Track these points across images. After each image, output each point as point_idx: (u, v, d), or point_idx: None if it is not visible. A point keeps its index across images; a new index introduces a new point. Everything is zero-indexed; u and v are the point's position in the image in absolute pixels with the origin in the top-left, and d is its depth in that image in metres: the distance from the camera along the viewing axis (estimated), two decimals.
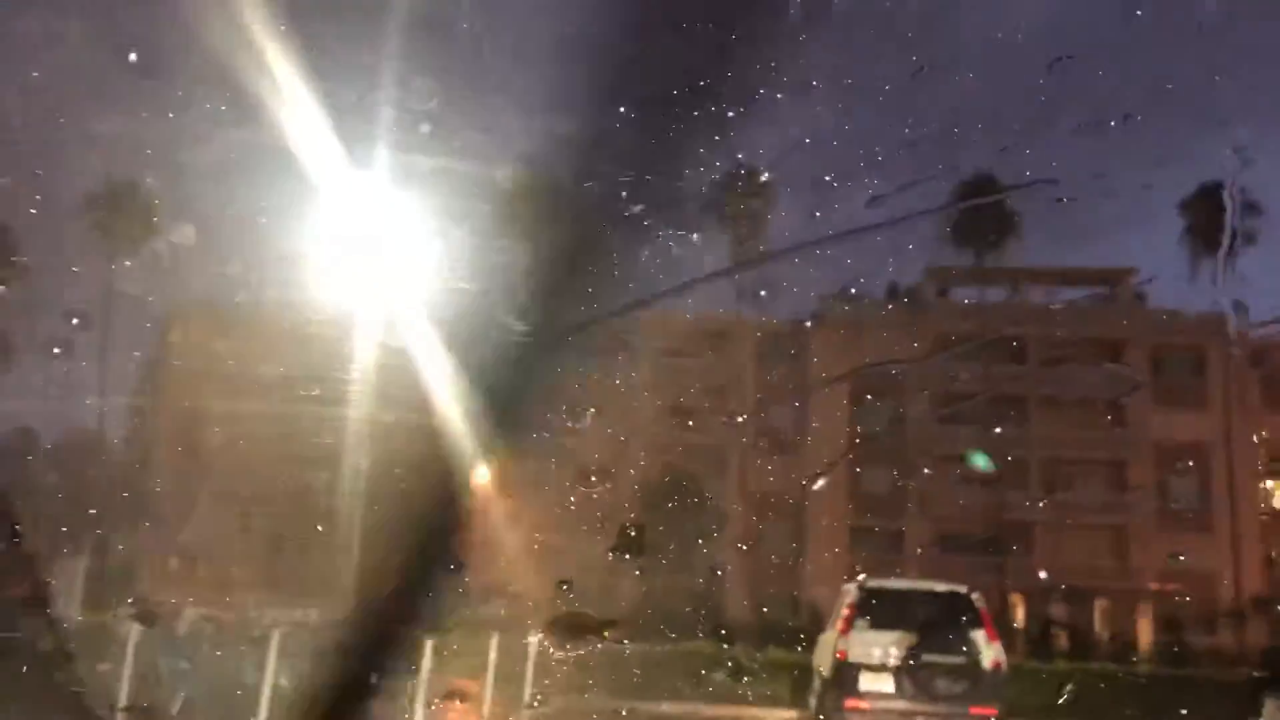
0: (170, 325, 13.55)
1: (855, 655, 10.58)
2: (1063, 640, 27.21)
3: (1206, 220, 35.90)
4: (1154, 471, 36.06)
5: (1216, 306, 36.47)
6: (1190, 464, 35.41)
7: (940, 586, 11.96)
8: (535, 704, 11.76)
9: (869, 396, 34.17)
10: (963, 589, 11.44)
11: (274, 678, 9.50)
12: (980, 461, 33.02)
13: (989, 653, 10.58)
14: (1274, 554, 34.57)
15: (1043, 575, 32.98)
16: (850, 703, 10.43)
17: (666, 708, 12.13)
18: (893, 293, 38.06)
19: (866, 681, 10.46)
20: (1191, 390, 36.23)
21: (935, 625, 10.60)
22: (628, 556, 13.18)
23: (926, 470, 32.40)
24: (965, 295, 38.74)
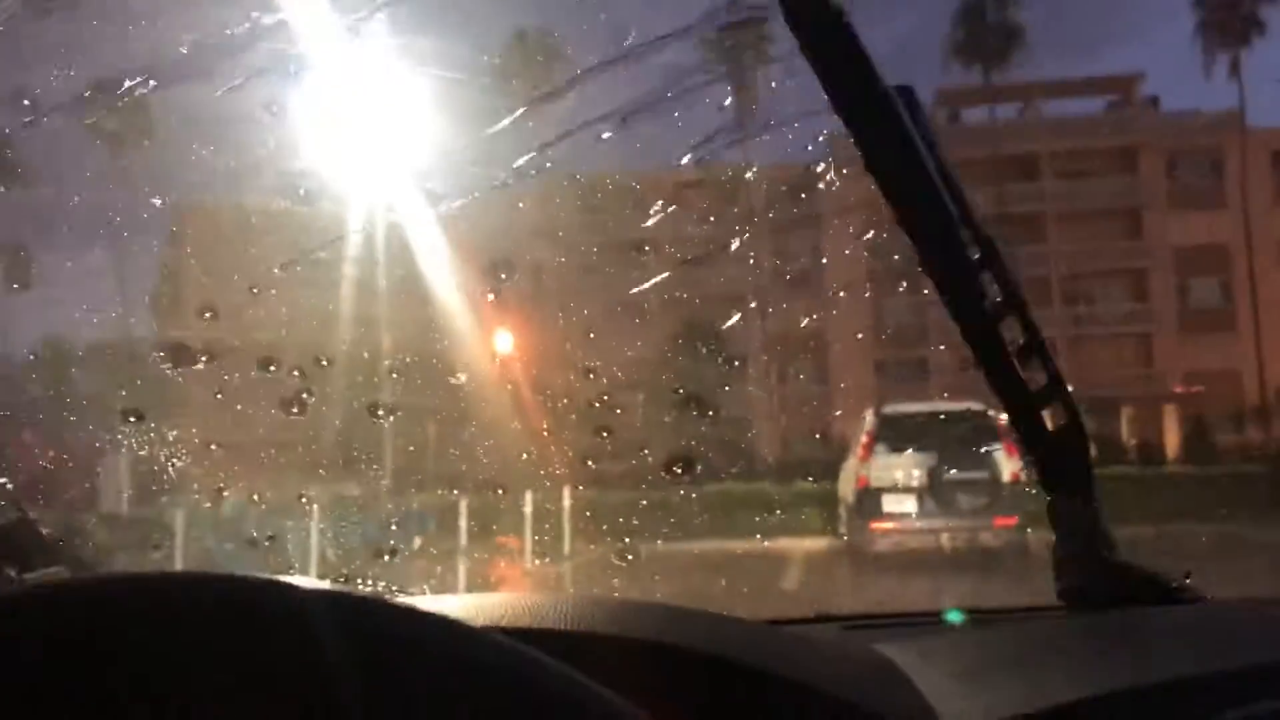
0: (181, 224, 13.65)
1: (877, 479, 10.88)
2: (1090, 449, 27.64)
3: (1220, 12, 34.91)
4: (1175, 276, 35.98)
5: (1230, 104, 35.79)
6: (1211, 265, 35.29)
7: (956, 405, 12.19)
8: (573, 554, 12.22)
9: (884, 229, 33.98)
10: (979, 405, 11.65)
11: (319, 547, 9.91)
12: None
13: (1007, 465, 10.84)
14: None
15: (1069, 388, 33.24)
16: (875, 525, 10.77)
17: (699, 546, 12.57)
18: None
19: (890, 503, 10.78)
20: (1209, 192, 35.84)
21: (954, 443, 10.85)
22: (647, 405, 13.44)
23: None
24: (976, 115, 38.17)
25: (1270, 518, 13.18)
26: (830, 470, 14.63)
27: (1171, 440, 30.71)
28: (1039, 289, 35.40)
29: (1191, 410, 30.86)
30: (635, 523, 11.12)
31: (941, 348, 34.67)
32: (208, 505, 10.22)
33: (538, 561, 12.21)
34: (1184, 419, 31.33)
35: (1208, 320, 35.22)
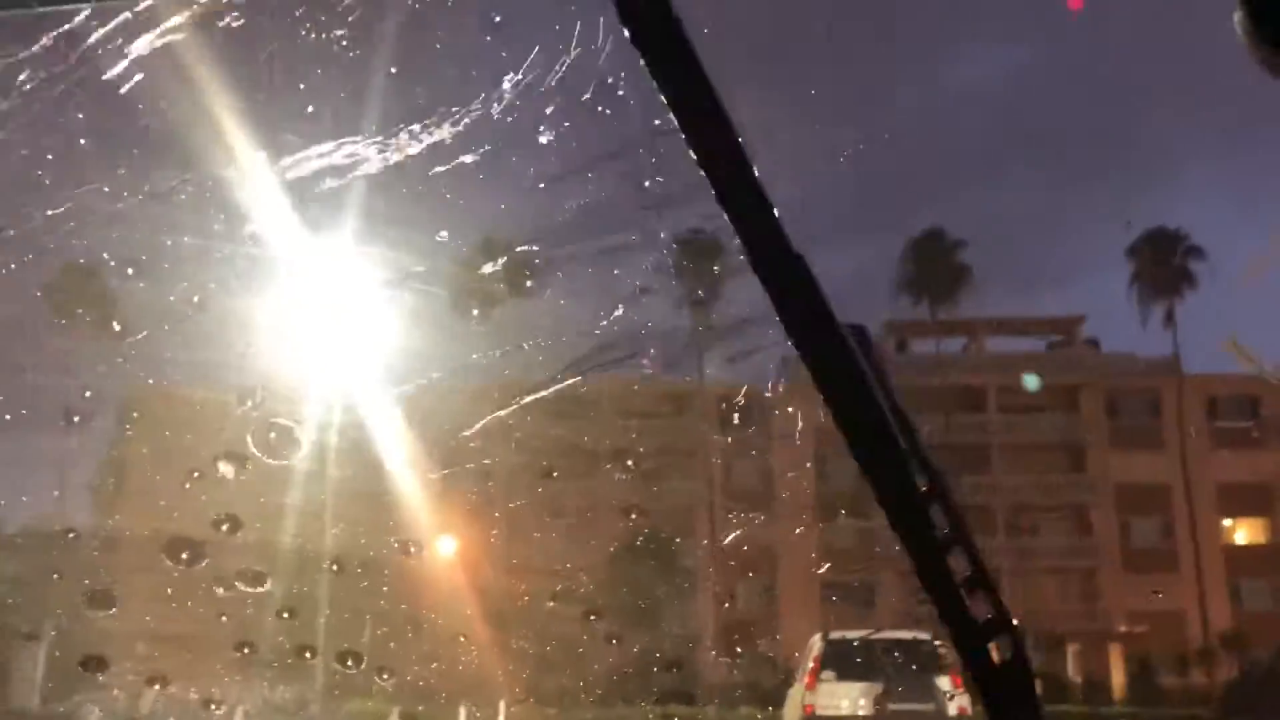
0: (129, 411, 13.58)
1: (822, 708, 10.64)
2: (1036, 684, 27.29)
3: (1152, 265, 36.73)
4: (1117, 514, 36.46)
5: (1166, 349, 37.24)
6: (1151, 504, 35.86)
7: (904, 635, 12.06)
8: None
9: (831, 451, 34.38)
10: (926, 636, 11.54)
11: None
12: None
13: (955, 700, 10.67)
14: (1238, 590, 34.92)
15: (1014, 622, 33.04)
16: None
17: None
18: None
19: None
20: (1148, 431, 36.79)
21: (900, 674, 10.68)
22: (595, 619, 13.18)
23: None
24: (923, 347, 39.32)
25: None
26: (775, 695, 14.32)
27: (1117, 679, 30.42)
28: (984, 519, 35.66)
29: (1136, 649, 30.72)
30: None
31: (889, 574, 34.58)
32: (123, 703, 9.77)
33: None
34: (1128, 658, 31.15)
35: (1150, 559, 35.51)
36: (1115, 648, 32.72)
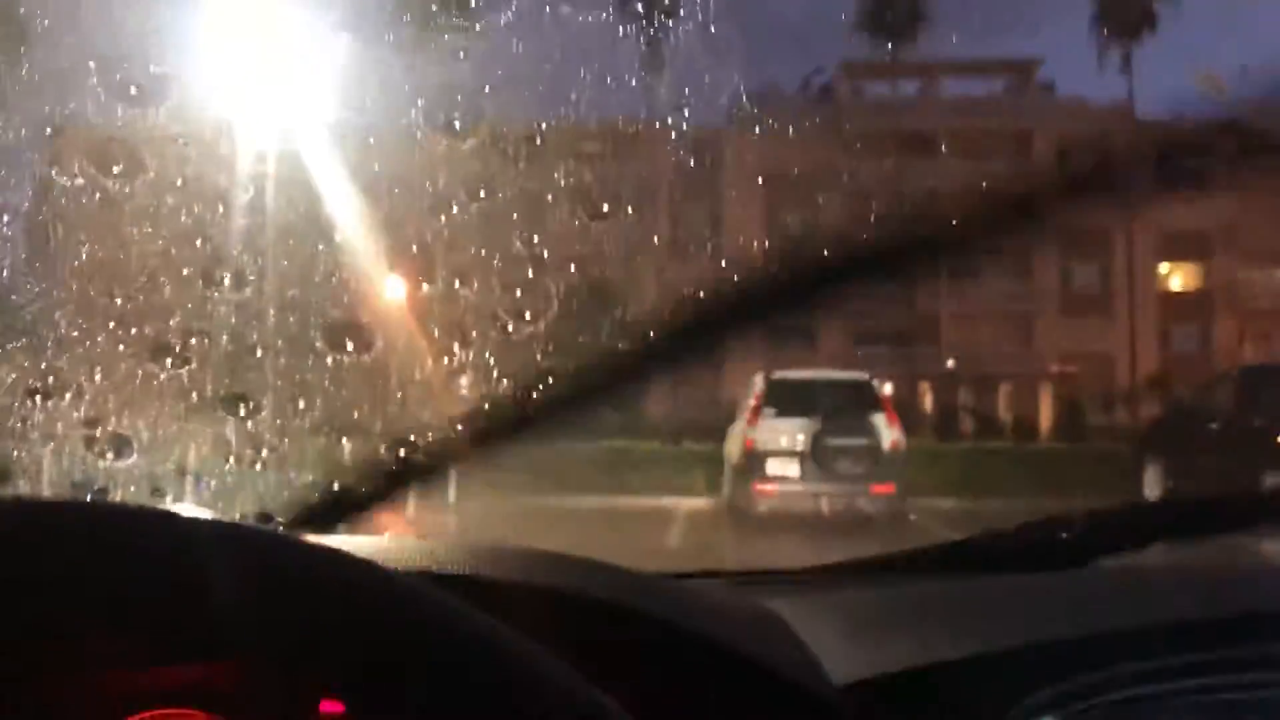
0: (54, 147, 13.07)
1: (762, 443, 11.05)
2: (967, 423, 28.52)
3: (1113, 5, 35.92)
4: (1058, 259, 37.18)
5: (1123, 95, 36.96)
6: (1093, 250, 36.53)
7: (842, 375, 12.46)
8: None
9: (784, 197, 34.35)
10: (864, 376, 11.92)
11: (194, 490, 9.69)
12: None
13: (888, 435, 11.12)
14: (1169, 334, 36.22)
15: (950, 364, 34.24)
16: (758, 487, 10.95)
17: (586, 501, 12.62)
18: (807, 90, 37.89)
19: (773, 466, 10.96)
20: (1095, 178, 37.02)
21: (838, 411, 11.07)
22: (542, 361, 13.36)
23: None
24: (879, 90, 38.72)
25: (1125, 492, 13.82)
26: (716, 431, 14.81)
27: (1045, 418, 31.85)
28: (930, 269, 36.20)
29: (1065, 390, 32.02)
30: (523, 476, 11.10)
31: (830, 317, 35.25)
32: (67, 450, 9.89)
33: (421, 510, 12.11)
34: (1057, 398, 32.51)
35: (1086, 304, 36.52)
36: (1045, 388, 34.08)
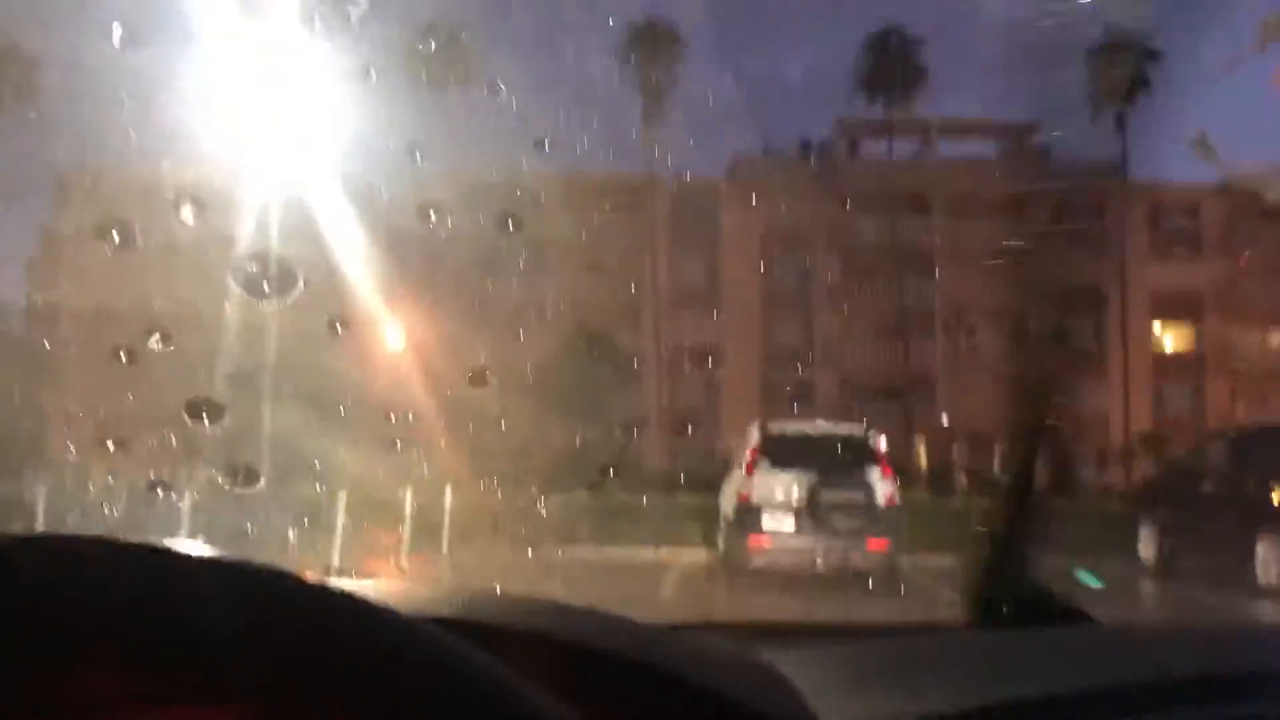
0: (64, 189, 13.16)
1: (758, 496, 11.02)
2: (963, 480, 28.47)
3: (1109, 70, 36.35)
4: (1053, 317, 37.30)
5: (1117, 158, 37.28)
6: (1087, 309, 36.67)
7: (839, 428, 12.46)
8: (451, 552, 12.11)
9: (779, 252, 34.55)
10: (859, 430, 11.92)
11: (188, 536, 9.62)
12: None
13: (883, 489, 11.10)
14: (1162, 394, 36.29)
15: (945, 420, 34.23)
16: (753, 540, 10.91)
17: (580, 552, 12.55)
18: (805, 148, 38.27)
19: (769, 521, 10.92)
20: (1089, 238, 37.26)
21: (834, 465, 11.06)
22: (537, 411, 13.38)
23: (835, 322, 33.14)
24: (875, 149, 39.09)
25: (1121, 555, 13.78)
26: (712, 484, 14.76)
27: (1040, 475, 31.73)
28: (922, 322, 36.35)
29: (1058, 447, 31.96)
30: (517, 526, 11.05)
31: (827, 371, 35.35)
32: (71, 483, 9.85)
33: (414, 557, 12.06)
34: (1050, 455, 32.42)
35: (1081, 362, 36.56)
36: (1040, 446, 34.00)
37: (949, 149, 39.40)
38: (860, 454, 11.31)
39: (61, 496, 9.80)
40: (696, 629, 1.59)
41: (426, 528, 12.16)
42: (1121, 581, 13.06)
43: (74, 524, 9.45)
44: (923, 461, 30.75)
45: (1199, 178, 37.12)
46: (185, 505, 9.66)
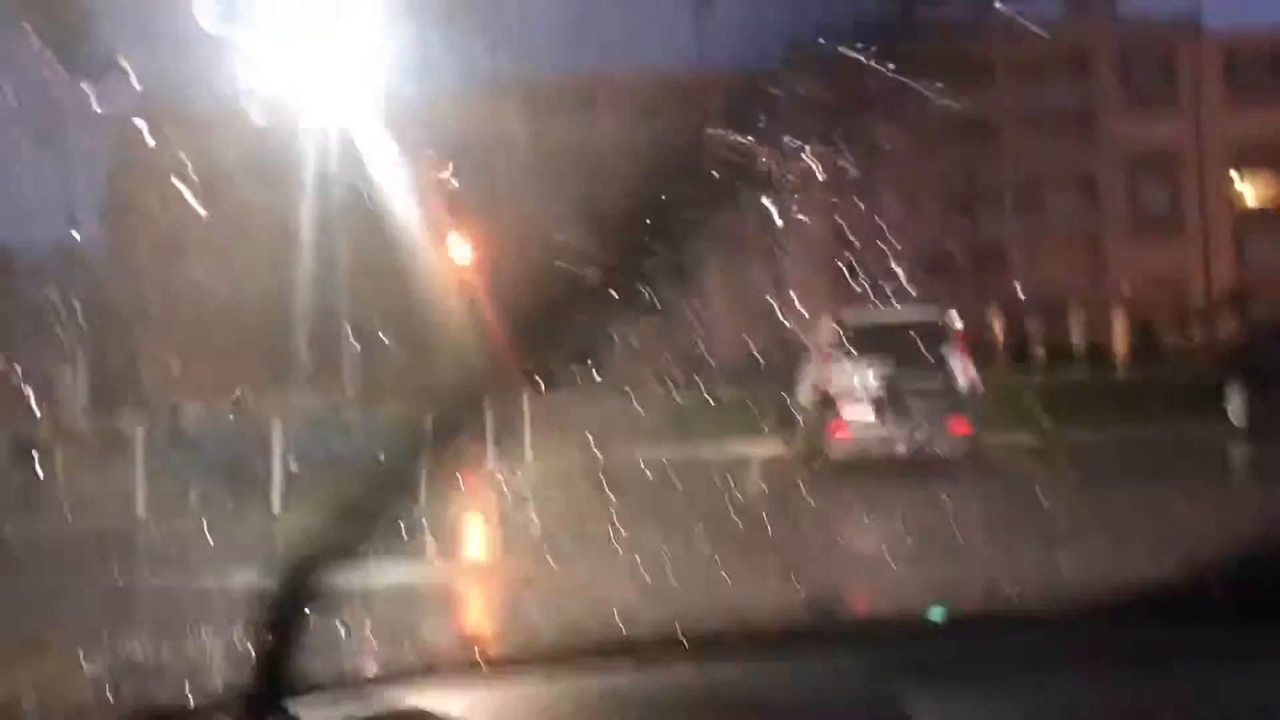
0: (131, 132, 13.26)
1: (836, 387, 10.97)
2: (1040, 352, 28.09)
3: None
4: (1125, 179, 36.23)
5: (1185, 6, 35.70)
6: (1162, 170, 35.55)
7: (915, 313, 12.29)
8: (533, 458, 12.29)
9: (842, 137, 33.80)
10: (936, 313, 11.75)
11: (282, 463, 9.89)
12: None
13: (963, 375, 10.98)
14: (1244, 250, 35.25)
15: (1019, 291, 33.67)
16: (833, 431, 10.89)
17: (660, 452, 12.66)
18: (860, 26, 37.15)
19: (848, 411, 10.88)
20: (1161, 94, 35.91)
21: (911, 351, 10.93)
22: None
23: (901, 200, 32.54)
24: (929, 13, 37.79)
25: (1210, 418, 13.53)
26: (789, 377, 14.71)
27: (1120, 343, 31.21)
28: (993, 193, 35.52)
29: (1140, 312, 31.32)
30: (595, 428, 11.15)
31: (900, 249, 34.81)
32: (168, 419, 10.14)
33: (501, 467, 12.27)
34: (1132, 321, 31.82)
35: (1158, 224, 35.61)
36: (1119, 312, 33.38)
37: (1011, 5, 37.95)
38: (938, 338, 11.16)
39: (159, 433, 10.10)
40: (804, 639, 1.55)
41: (510, 435, 12.34)
42: (1212, 448, 12.87)
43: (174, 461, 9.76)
44: (998, 334, 30.34)
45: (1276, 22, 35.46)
46: (276, 433, 9.90)
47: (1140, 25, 35.65)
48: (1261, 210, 36.45)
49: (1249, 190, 36.92)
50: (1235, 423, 13.36)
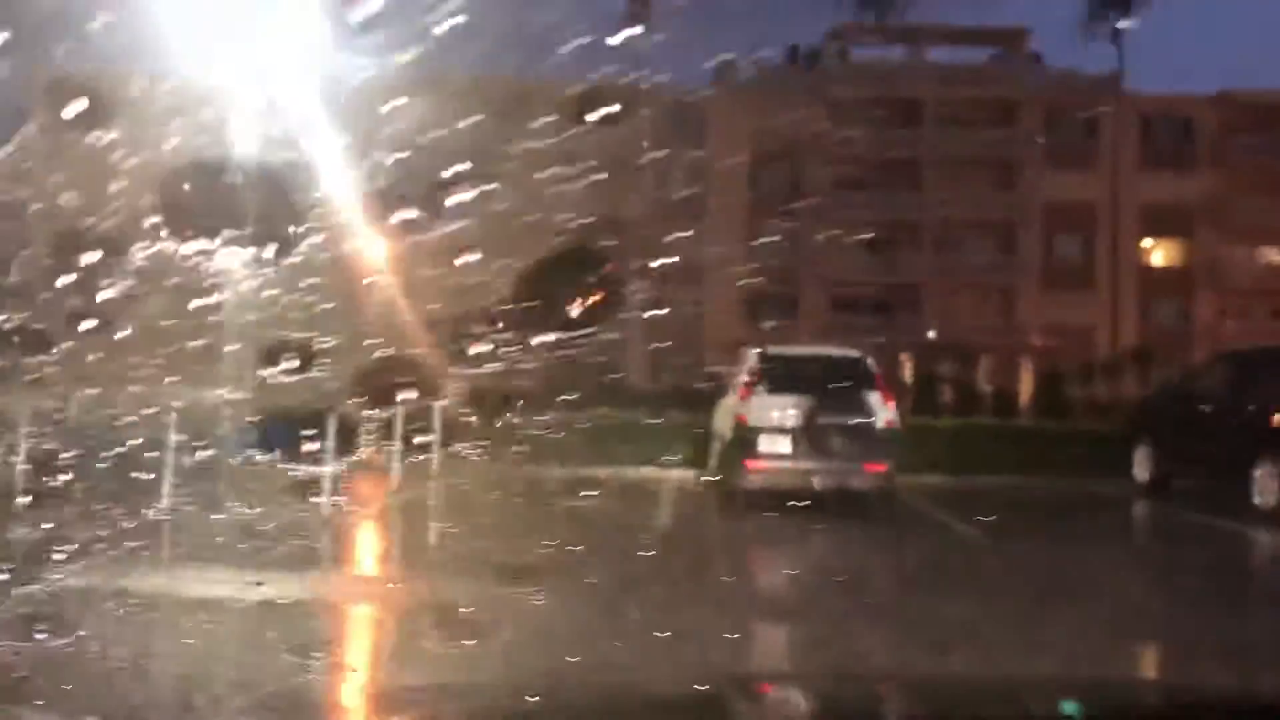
0: (38, 101, 12.57)
1: (755, 419, 10.83)
2: (948, 396, 28.44)
3: None
4: (1041, 232, 37.03)
5: (1109, 68, 36.72)
6: (1076, 223, 36.39)
7: (836, 351, 12.23)
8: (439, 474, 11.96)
9: (766, 163, 33.99)
10: (857, 353, 11.70)
11: (174, 456, 9.40)
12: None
13: (883, 413, 10.92)
14: (1150, 309, 36.24)
15: (931, 334, 34.12)
16: (750, 464, 10.74)
17: (570, 472, 12.41)
18: (794, 56, 37.46)
19: (766, 444, 10.74)
20: (1081, 151, 36.82)
21: (832, 388, 10.85)
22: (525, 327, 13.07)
23: (820, 236, 32.75)
24: (866, 56, 38.28)
25: (1113, 476, 13.71)
26: (700, 403, 14.58)
27: (1026, 391, 31.81)
28: (910, 234, 36.02)
29: (1046, 363, 31.95)
30: (503, 445, 10.86)
31: (811, 287, 35.09)
32: (56, 405, 9.58)
33: (406, 474, 11.93)
34: (1038, 371, 32.46)
35: (1069, 276, 36.44)
36: (1027, 360, 34.03)
37: (941, 55, 38.66)
38: (859, 377, 11.10)
39: (43, 415, 9.53)
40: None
41: (419, 447, 12.00)
42: (1117, 502, 13.03)
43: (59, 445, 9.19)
44: (908, 376, 30.68)
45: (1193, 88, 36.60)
46: (172, 424, 9.43)
47: (1064, 80, 36.57)
48: (1167, 270, 37.56)
49: (1157, 251, 38.04)
50: (1138, 478, 13.56)
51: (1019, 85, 36.85)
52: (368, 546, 9.45)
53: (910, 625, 5.90)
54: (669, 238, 33.10)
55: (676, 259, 32.74)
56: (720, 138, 33.56)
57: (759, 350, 11.79)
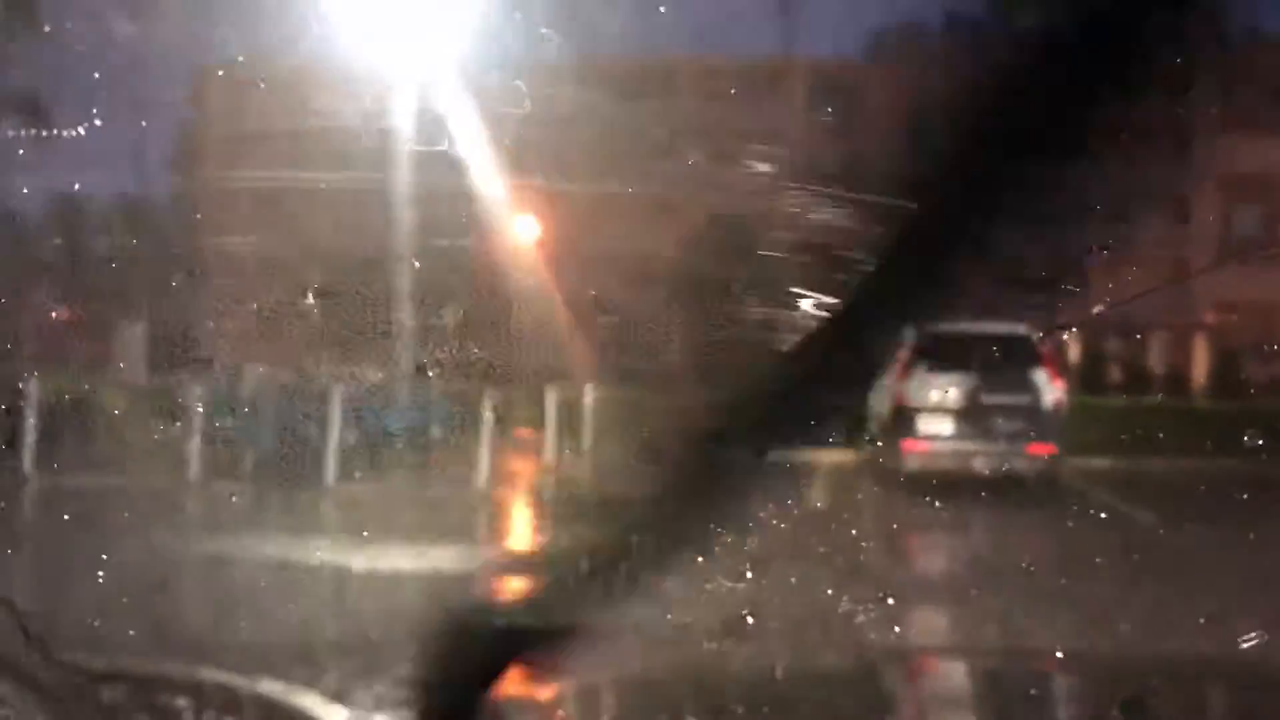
0: (202, 86, 13.11)
1: (913, 399, 10.55)
2: (1117, 375, 27.27)
3: None
4: (1218, 203, 35.08)
5: None
6: (1257, 192, 34.41)
7: (1000, 327, 11.79)
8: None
9: (927, 137, 33.12)
10: (1022, 329, 11.26)
11: (339, 432, 9.71)
12: None
13: (1050, 393, 10.51)
14: None
15: (1097, 310, 32.75)
16: (908, 445, 10.48)
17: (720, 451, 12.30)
18: (952, 23, 36.41)
19: (924, 424, 10.47)
20: (1263, 116, 34.71)
21: (995, 367, 10.49)
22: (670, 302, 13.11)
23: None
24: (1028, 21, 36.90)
25: None
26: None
27: (1199, 369, 30.30)
28: (1077, 208, 34.62)
29: (1221, 340, 30.40)
30: (651, 422, 10.85)
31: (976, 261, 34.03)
32: (227, 383, 9.98)
33: (558, 455, 12.08)
34: (1212, 348, 30.89)
35: (1250, 248, 34.50)
36: (1199, 338, 32.38)
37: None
38: (1024, 354, 10.69)
39: (218, 395, 9.93)
40: None
41: (570, 425, 12.12)
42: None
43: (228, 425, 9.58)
44: (1075, 354, 29.48)
45: None
46: (335, 400, 9.71)
47: (1245, 44, 34.51)
48: None
49: None
50: None
51: (1193, 50, 34.94)
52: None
53: (1097, 619, 5.68)
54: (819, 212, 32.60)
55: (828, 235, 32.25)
56: (876, 112, 32.86)
57: (917, 327, 11.49)
